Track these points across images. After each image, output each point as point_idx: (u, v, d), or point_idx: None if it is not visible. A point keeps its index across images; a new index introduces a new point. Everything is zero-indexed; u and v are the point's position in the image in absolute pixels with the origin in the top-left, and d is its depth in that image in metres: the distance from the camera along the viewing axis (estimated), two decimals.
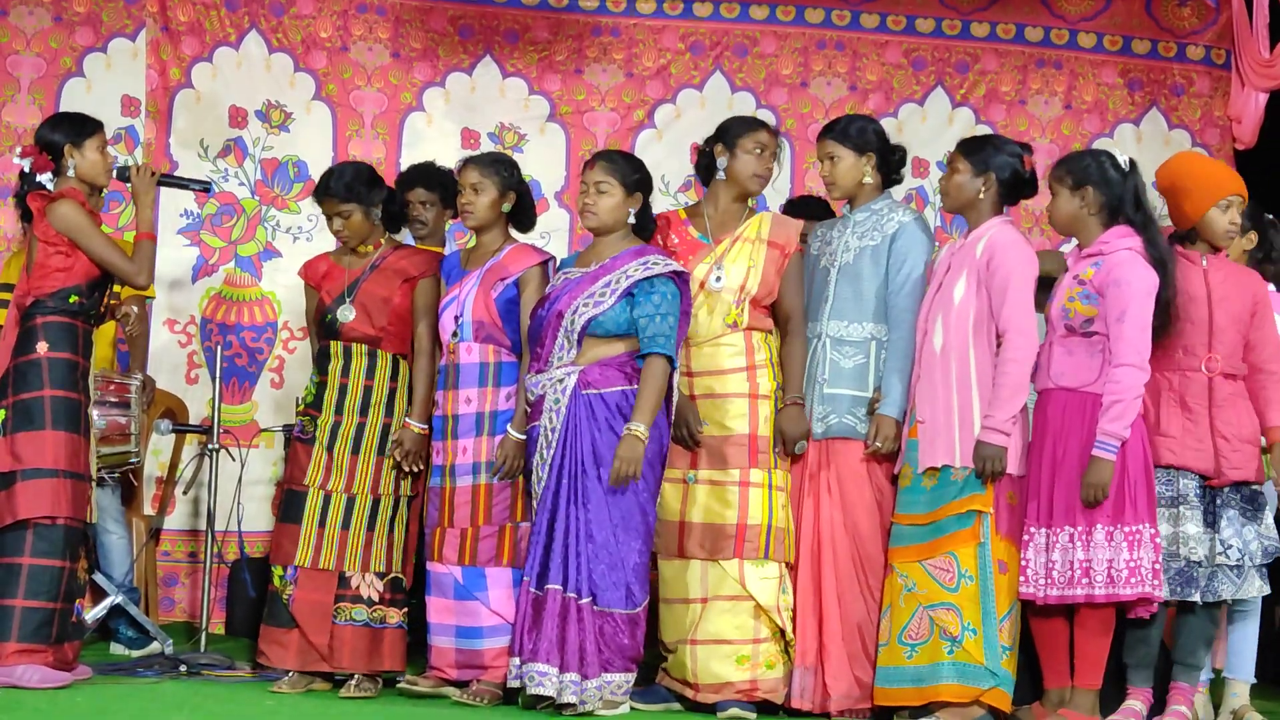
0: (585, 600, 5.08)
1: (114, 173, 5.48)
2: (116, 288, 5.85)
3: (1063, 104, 7.57)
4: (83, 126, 5.38)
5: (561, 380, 5.20)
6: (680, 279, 5.24)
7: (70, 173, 5.33)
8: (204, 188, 5.93)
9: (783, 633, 5.26)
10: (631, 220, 5.32)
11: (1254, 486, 5.16)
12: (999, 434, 5.02)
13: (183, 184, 5.88)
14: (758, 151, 5.39)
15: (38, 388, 5.20)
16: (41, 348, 5.23)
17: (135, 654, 6.05)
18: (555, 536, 5.11)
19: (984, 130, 7.29)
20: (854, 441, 5.31)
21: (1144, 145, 7.45)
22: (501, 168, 5.50)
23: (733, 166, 5.40)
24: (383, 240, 5.67)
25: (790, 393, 5.32)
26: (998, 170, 5.23)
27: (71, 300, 5.28)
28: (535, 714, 5.09)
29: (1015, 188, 5.28)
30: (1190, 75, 7.58)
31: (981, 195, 5.24)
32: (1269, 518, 5.19)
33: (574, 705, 5.03)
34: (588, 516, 5.10)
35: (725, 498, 5.27)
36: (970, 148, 5.31)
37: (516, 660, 5.13)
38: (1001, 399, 5.03)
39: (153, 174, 5.54)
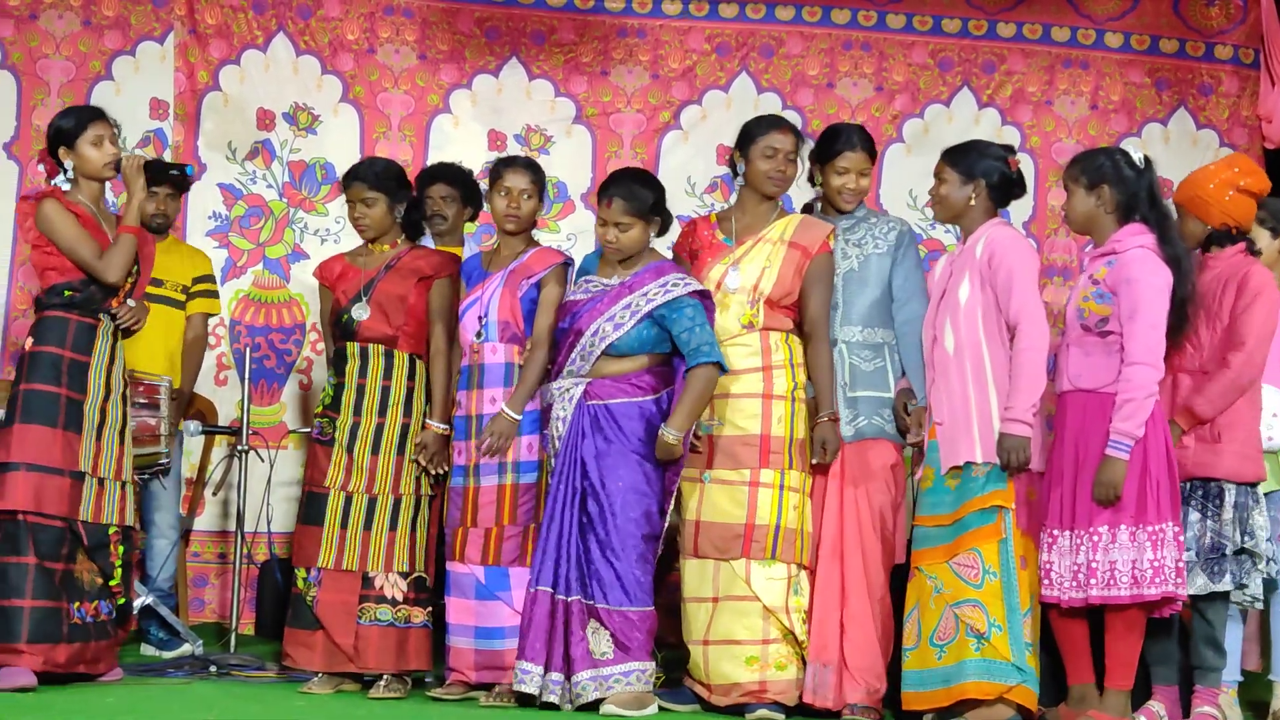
0: (575, 598, 5.13)
1: (117, 164, 5.35)
2: (151, 289, 5.90)
3: (1089, 104, 7.53)
4: (74, 124, 5.31)
5: (569, 391, 5.26)
6: (703, 298, 5.26)
7: (70, 173, 5.32)
8: (181, 170, 5.70)
9: (794, 634, 5.26)
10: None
11: (1223, 484, 5.14)
12: (1021, 424, 5.01)
13: (163, 168, 5.63)
14: (769, 155, 5.38)
15: (18, 383, 5.22)
16: (27, 343, 5.27)
17: (166, 655, 6.08)
18: (549, 538, 5.19)
19: (1011, 131, 7.29)
20: (883, 442, 5.33)
21: (1171, 145, 7.42)
22: (541, 173, 5.56)
23: (748, 171, 5.41)
24: (400, 240, 5.68)
25: (824, 408, 5.30)
26: (985, 175, 5.22)
27: (66, 294, 5.26)
28: (558, 714, 5.11)
29: (1004, 190, 5.27)
30: (1218, 75, 7.54)
31: (972, 202, 5.23)
32: (1227, 514, 5.14)
33: (555, 705, 5.09)
34: (588, 520, 5.16)
35: (735, 497, 5.27)
36: (954, 157, 5.29)
37: (525, 664, 5.18)
38: (1020, 388, 5.03)
39: (139, 163, 5.39)
